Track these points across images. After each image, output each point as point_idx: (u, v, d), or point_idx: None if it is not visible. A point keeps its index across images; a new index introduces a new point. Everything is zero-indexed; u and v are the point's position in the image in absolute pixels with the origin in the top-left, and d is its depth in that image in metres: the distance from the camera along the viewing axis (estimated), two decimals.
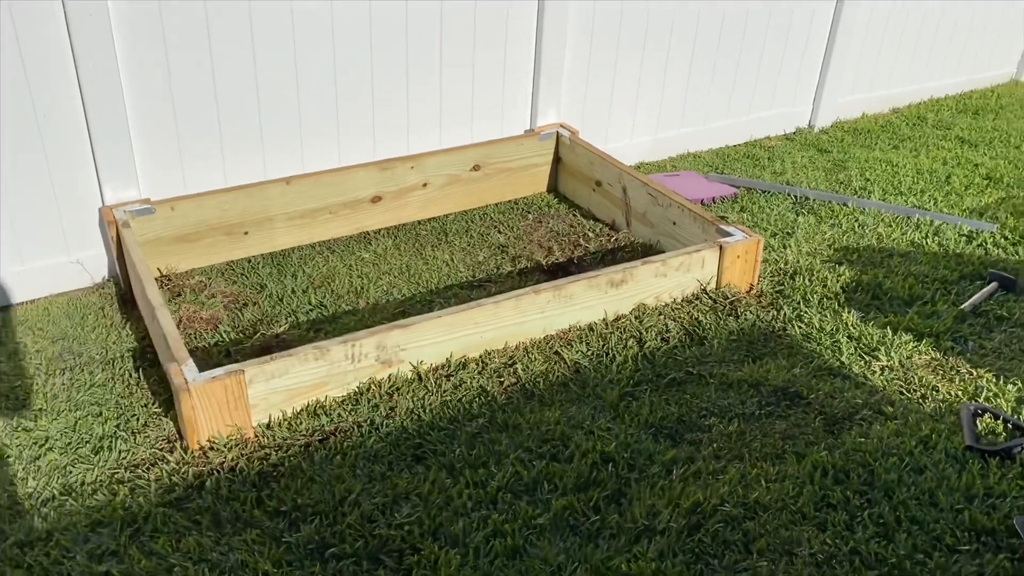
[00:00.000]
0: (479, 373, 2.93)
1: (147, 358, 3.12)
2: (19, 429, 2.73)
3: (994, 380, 2.87)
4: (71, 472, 2.55)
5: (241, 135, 3.67)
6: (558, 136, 4.40)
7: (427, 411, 2.72)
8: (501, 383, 2.89)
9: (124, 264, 3.47)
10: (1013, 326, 3.18)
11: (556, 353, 3.05)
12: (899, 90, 5.78)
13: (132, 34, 3.27)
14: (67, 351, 3.15)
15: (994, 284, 3.41)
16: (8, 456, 2.62)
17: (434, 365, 2.96)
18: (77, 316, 3.36)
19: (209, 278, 3.63)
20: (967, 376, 2.90)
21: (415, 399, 2.79)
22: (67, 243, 3.51)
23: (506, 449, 2.55)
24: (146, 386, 2.94)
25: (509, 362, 3.00)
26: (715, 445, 2.57)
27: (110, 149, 3.37)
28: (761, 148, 5.12)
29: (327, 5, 3.59)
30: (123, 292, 3.52)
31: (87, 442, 2.67)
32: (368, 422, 2.69)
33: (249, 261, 3.80)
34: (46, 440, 2.69)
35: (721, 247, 3.35)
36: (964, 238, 3.86)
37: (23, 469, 2.55)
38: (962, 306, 3.30)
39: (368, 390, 2.82)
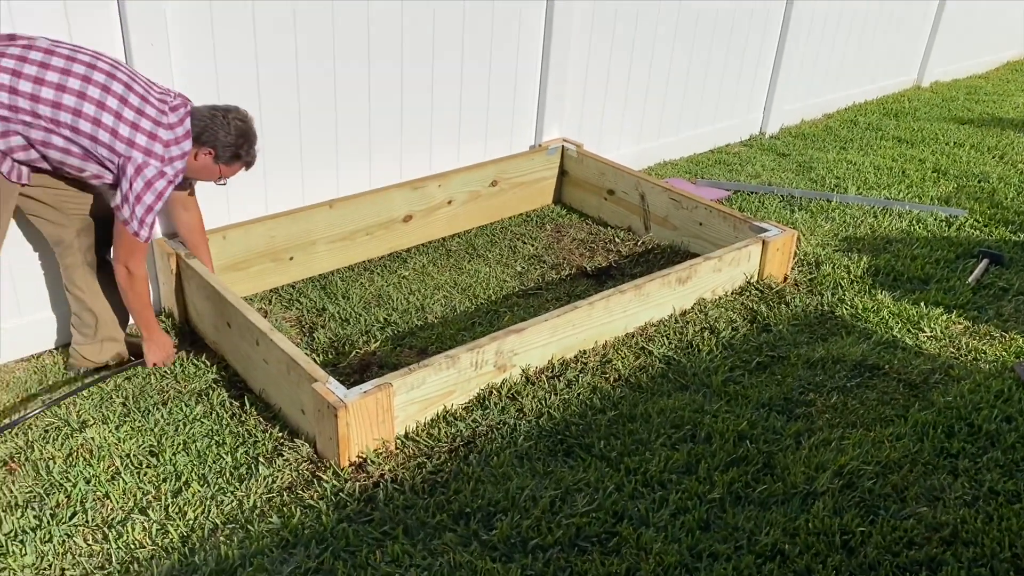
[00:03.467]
0: (581, 372, 3.08)
1: (236, 387, 3.09)
2: (144, 467, 2.66)
3: None
4: (223, 501, 2.51)
5: (282, 160, 3.67)
6: (563, 150, 4.62)
7: (555, 410, 2.85)
8: (607, 379, 3.06)
9: (183, 295, 3.40)
10: (1018, 294, 3.64)
11: (643, 348, 3.24)
12: (828, 97, 6.36)
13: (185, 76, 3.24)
14: (149, 387, 3.07)
15: (986, 260, 3.89)
16: (147, 494, 2.55)
17: (539, 368, 3.09)
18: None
19: (266, 305, 3.60)
20: (1002, 339, 3.32)
21: (536, 400, 2.91)
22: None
23: (646, 437, 2.72)
24: (253, 413, 2.92)
25: (604, 359, 3.17)
26: (826, 416, 2.84)
27: None
28: (727, 154, 5.52)
29: (364, 34, 3.66)
30: (179, 324, 3.44)
31: (223, 472, 2.64)
32: (502, 424, 2.79)
33: (294, 286, 3.79)
34: (178, 475, 2.63)
35: (764, 242, 3.65)
36: (943, 223, 4.35)
37: (170, 504, 2.49)
38: (967, 281, 3.74)
39: (489, 395, 2.92)
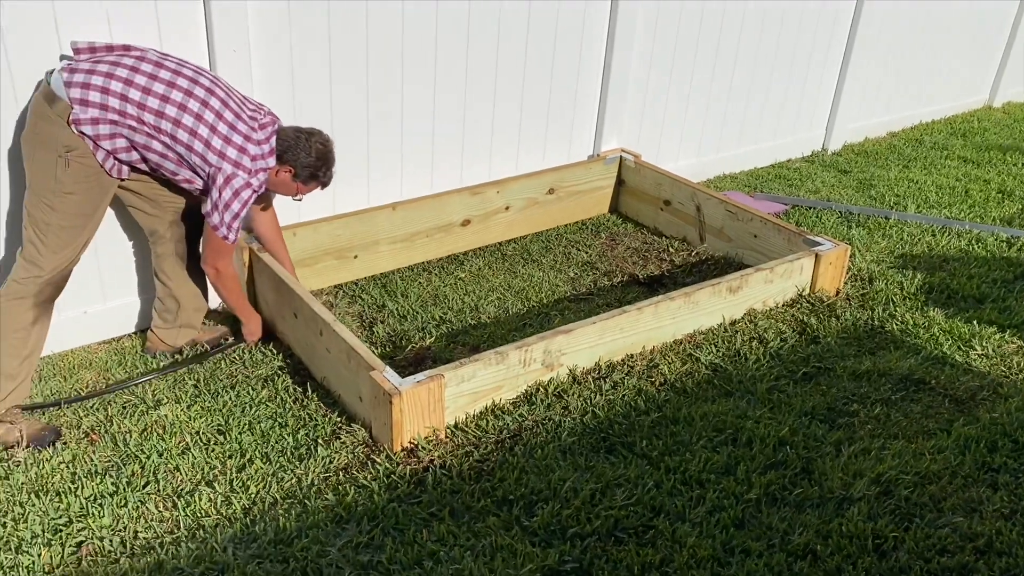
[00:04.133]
0: (627, 375, 3.17)
1: (300, 374, 3.26)
2: (212, 444, 2.84)
3: None
4: (283, 478, 2.68)
5: (351, 163, 3.85)
6: (621, 160, 4.72)
7: (600, 409, 2.95)
8: (652, 382, 3.14)
9: (253, 287, 3.60)
10: None
11: (690, 355, 3.32)
12: (894, 116, 6.32)
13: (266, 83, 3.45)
14: (219, 371, 3.26)
15: None
16: (213, 468, 2.73)
17: (586, 369, 3.19)
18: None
19: (334, 300, 3.78)
20: None
21: (582, 399, 3.01)
22: None
23: (687, 438, 2.80)
24: (315, 398, 3.08)
25: (651, 364, 3.25)
26: (868, 427, 2.88)
27: None
28: (787, 169, 5.54)
29: (431, 45, 3.83)
30: None
31: (284, 451, 2.80)
32: (548, 420, 2.90)
33: (356, 283, 3.96)
34: (243, 452, 2.81)
35: (817, 255, 3.69)
36: (1004, 244, 4.31)
37: (235, 478, 2.67)
38: None
39: (537, 392, 3.03)
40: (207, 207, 2.95)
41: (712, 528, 2.41)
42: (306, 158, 3.02)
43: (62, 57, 2.94)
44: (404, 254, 4.11)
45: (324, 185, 3.16)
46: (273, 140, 2.99)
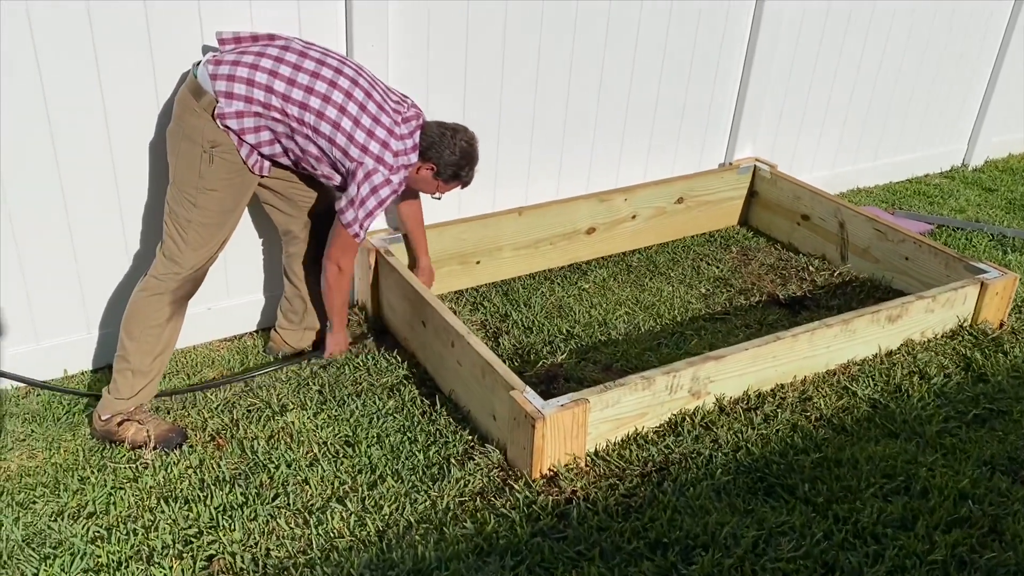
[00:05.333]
0: (779, 407, 2.93)
1: (427, 385, 3.12)
2: (341, 456, 2.72)
3: None
4: (417, 500, 2.53)
5: (479, 168, 3.69)
6: (755, 169, 4.45)
7: (754, 445, 2.72)
8: (807, 417, 2.89)
9: (378, 291, 3.48)
10: None
11: (845, 388, 3.05)
12: None
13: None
14: (343, 378, 3.14)
15: None
16: (343, 484, 2.60)
17: (734, 398, 2.96)
18: None
19: (457, 307, 3.63)
20: None
21: (732, 432, 2.79)
22: None
23: (854, 484, 2.55)
24: (444, 413, 2.93)
25: (804, 396, 3.00)
26: None
27: None
28: (926, 185, 5.18)
29: (567, 46, 3.64)
30: (371, 317, 3.52)
31: (416, 469, 2.66)
32: (696, 454, 2.69)
33: (478, 290, 3.81)
34: (373, 468, 2.67)
35: (983, 284, 3.37)
36: None
37: (367, 496, 2.53)
38: None
39: (683, 421, 2.82)
40: (341, 203, 2.82)
41: None
42: (450, 156, 2.87)
43: (206, 49, 2.85)
44: (527, 261, 3.94)
45: (465, 184, 3.01)
46: (417, 136, 2.84)
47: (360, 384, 3.11)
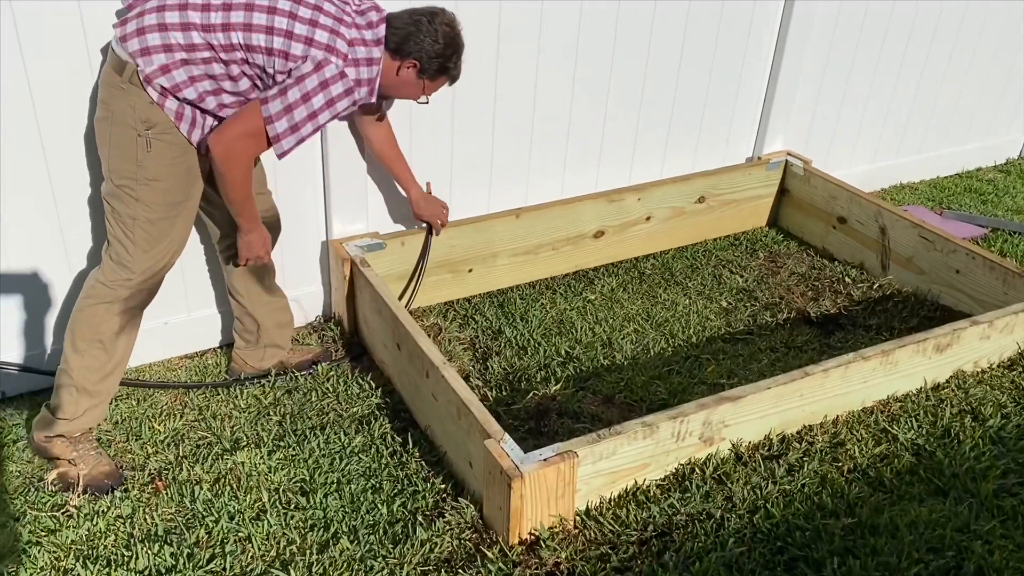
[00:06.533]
0: (806, 454, 2.51)
1: (401, 417, 2.75)
2: (292, 507, 2.35)
3: None
4: (372, 567, 2.16)
5: (471, 164, 3.28)
6: (787, 165, 3.98)
7: (774, 505, 2.31)
8: (839, 468, 2.47)
9: (354, 304, 3.10)
10: None
11: (885, 431, 2.62)
12: None
13: None
14: (308, 406, 2.78)
15: None
16: (291, 543, 2.23)
17: (753, 443, 2.54)
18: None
19: (443, 322, 3.24)
20: None
21: (749, 487, 2.37)
22: (285, 279, 3.13)
23: (894, 560, 2.13)
24: (416, 454, 2.55)
25: (835, 441, 2.57)
26: None
27: (346, 181, 3.00)
28: (978, 180, 4.67)
29: (574, 20, 3.20)
30: (348, 334, 3.14)
31: (376, 527, 2.28)
32: (705, 515, 2.28)
33: (470, 301, 3.42)
34: (327, 523, 2.30)
35: None
36: None
37: (315, 561, 2.16)
38: None
39: (692, 473, 2.41)
40: (269, 91, 2.24)
41: None
42: (433, 45, 2.39)
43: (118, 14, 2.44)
44: (525, 268, 3.54)
45: (453, 80, 2.54)
46: (381, 29, 2.36)
47: (326, 414, 2.74)
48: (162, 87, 2.22)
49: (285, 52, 2.22)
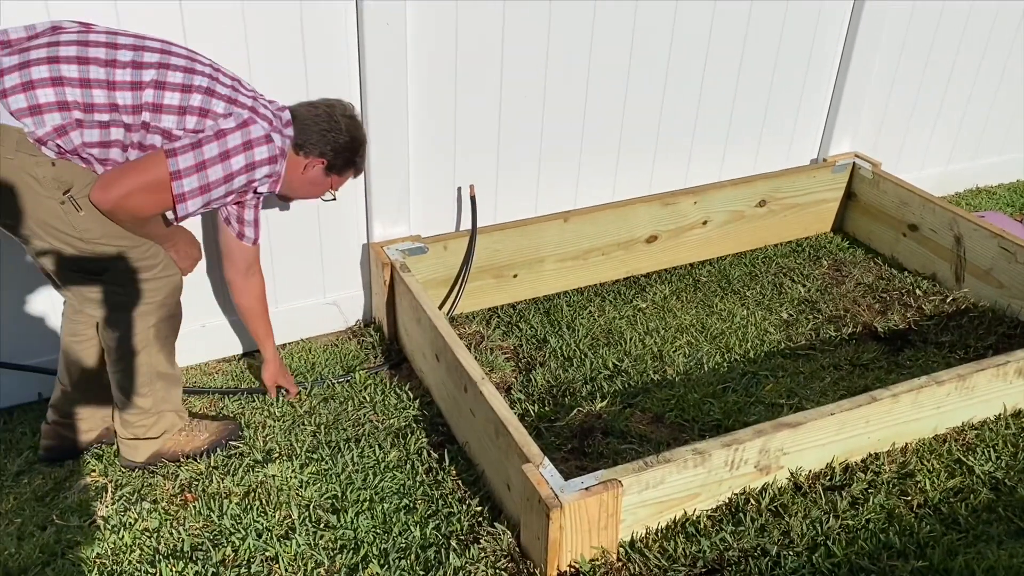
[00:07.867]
0: (872, 486, 2.32)
1: (439, 430, 2.63)
2: (322, 526, 2.25)
3: None
4: None
5: (518, 165, 3.14)
6: (854, 167, 3.75)
7: (835, 542, 2.12)
8: (908, 503, 2.27)
9: (394, 310, 2.99)
10: None
11: (959, 462, 2.41)
12: None
13: (427, 74, 2.78)
14: (344, 416, 2.68)
15: None
16: (319, 566, 2.13)
17: (813, 472, 2.36)
18: (339, 369, 2.90)
19: (486, 329, 3.11)
20: None
21: (808, 521, 2.19)
22: (324, 282, 3.05)
23: None
24: (452, 472, 2.43)
25: (904, 471, 2.38)
26: None
27: (387, 183, 2.89)
28: None
29: (628, 27, 3.03)
30: (387, 340, 3.04)
31: (408, 551, 2.17)
32: (760, 551, 2.11)
33: (515, 307, 3.28)
34: (357, 545, 2.19)
35: None
36: None
37: None
38: None
39: (746, 504, 2.24)
40: (176, 144, 1.99)
41: None
42: (340, 139, 2.27)
43: None
44: (574, 274, 3.39)
45: (358, 172, 2.44)
46: (286, 115, 2.23)
47: (362, 425, 2.64)
48: (59, 147, 1.95)
49: (204, 109, 2.00)
